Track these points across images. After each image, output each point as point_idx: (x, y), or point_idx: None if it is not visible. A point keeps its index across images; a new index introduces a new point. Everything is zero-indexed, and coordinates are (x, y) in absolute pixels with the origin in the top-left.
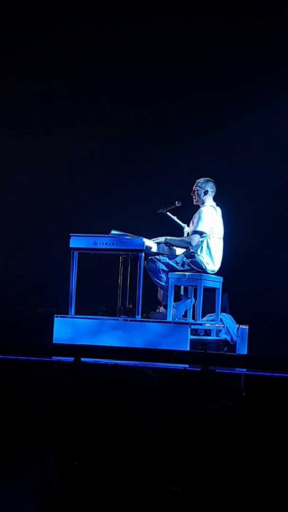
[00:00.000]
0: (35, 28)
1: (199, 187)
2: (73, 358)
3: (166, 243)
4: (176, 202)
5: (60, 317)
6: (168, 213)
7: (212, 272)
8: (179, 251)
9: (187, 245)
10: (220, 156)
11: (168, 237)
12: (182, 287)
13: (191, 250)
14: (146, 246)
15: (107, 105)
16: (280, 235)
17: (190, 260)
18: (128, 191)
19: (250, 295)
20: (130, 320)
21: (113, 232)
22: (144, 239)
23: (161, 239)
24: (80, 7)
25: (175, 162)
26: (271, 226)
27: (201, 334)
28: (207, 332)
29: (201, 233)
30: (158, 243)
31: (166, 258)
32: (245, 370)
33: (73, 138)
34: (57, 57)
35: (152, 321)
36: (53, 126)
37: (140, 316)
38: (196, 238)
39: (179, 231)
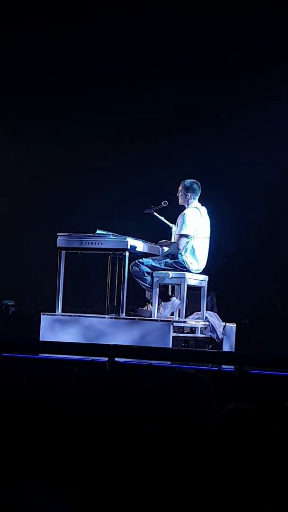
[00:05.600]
0: (35, 29)
1: (183, 188)
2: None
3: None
4: (163, 203)
5: (47, 314)
6: (155, 213)
7: (197, 271)
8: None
9: (177, 250)
10: (206, 156)
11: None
12: (170, 286)
13: None
14: (130, 245)
15: (96, 106)
16: (269, 234)
17: (173, 260)
18: (115, 192)
19: (238, 294)
20: (115, 318)
21: (98, 231)
22: (129, 239)
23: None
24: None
25: (162, 162)
26: (260, 224)
27: (187, 331)
28: (192, 330)
29: (186, 236)
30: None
31: (150, 260)
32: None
33: (61, 138)
34: (53, 56)
35: (137, 319)
36: (42, 127)
37: (124, 314)
38: (182, 242)
39: (166, 231)
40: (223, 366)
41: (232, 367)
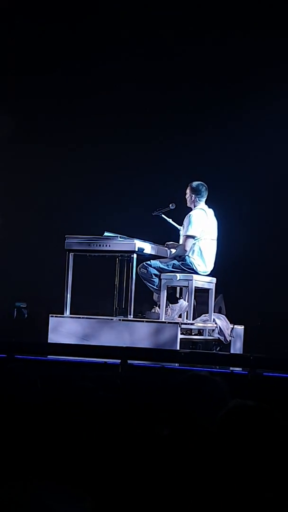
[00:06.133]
0: (35, 29)
1: (190, 190)
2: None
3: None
4: (171, 205)
5: (55, 316)
6: (163, 215)
7: (204, 273)
8: None
9: (184, 252)
10: (215, 158)
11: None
12: (177, 289)
13: None
14: (138, 247)
15: (101, 109)
16: (278, 235)
17: (180, 262)
18: (123, 194)
19: (246, 296)
20: (123, 320)
21: (106, 234)
22: (137, 241)
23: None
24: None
25: (170, 164)
26: (270, 227)
27: (194, 334)
28: (200, 332)
29: (192, 237)
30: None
31: (157, 262)
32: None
33: (68, 141)
34: (55, 58)
35: (144, 321)
36: (49, 130)
37: (132, 316)
38: (189, 243)
39: (174, 233)
40: (235, 369)
41: (242, 369)
